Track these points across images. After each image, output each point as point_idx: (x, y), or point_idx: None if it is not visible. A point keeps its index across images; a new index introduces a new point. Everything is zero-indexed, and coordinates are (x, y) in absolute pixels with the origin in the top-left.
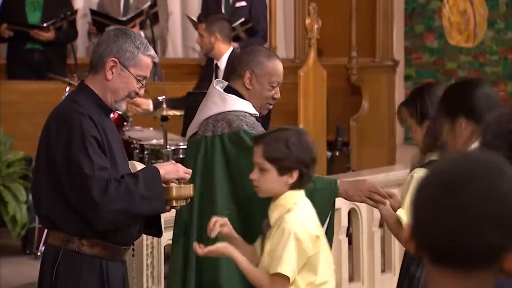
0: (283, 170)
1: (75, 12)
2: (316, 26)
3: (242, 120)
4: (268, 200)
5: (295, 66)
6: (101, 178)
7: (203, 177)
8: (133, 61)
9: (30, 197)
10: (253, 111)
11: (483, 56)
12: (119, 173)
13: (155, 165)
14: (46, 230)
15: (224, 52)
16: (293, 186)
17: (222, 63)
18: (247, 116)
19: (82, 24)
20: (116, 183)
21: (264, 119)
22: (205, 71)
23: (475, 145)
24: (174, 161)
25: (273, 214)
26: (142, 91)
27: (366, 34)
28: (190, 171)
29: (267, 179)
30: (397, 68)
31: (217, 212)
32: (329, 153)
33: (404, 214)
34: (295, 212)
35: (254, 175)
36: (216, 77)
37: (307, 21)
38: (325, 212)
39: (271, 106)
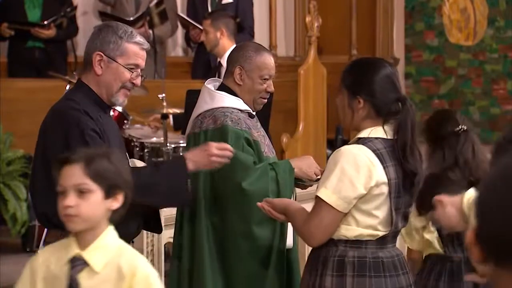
0: (110, 191)
1: (75, 8)
2: (316, 24)
3: (227, 116)
4: (245, 204)
5: (295, 64)
6: None
7: (193, 174)
8: (119, 51)
9: None
10: (243, 107)
11: (483, 54)
12: None
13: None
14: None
15: (228, 49)
16: (112, 216)
17: (225, 61)
18: (233, 112)
19: (83, 21)
20: None
21: (264, 117)
22: (209, 70)
23: (368, 124)
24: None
25: (96, 259)
26: (138, 80)
27: (366, 32)
28: (221, 146)
29: (90, 203)
30: (397, 66)
31: (201, 209)
32: (329, 151)
33: None
34: (138, 253)
35: (71, 201)
36: (219, 75)
37: (307, 19)
38: (290, 191)
39: (265, 100)
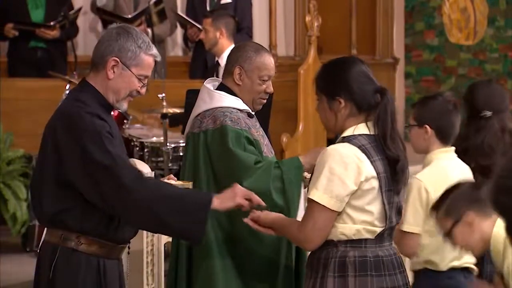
0: None
1: (79, 10)
2: (316, 24)
3: (227, 116)
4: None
5: (295, 63)
6: (130, 167)
7: (193, 174)
8: (135, 61)
9: None
10: (243, 107)
11: (483, 54)
12: None
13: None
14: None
15: (226, 49)
16: None
17: (223, 60)
18: (233, 112)
19: (83, 21)
20: (147, 177)
21: (264, 116)
22: (206, 70)
23: (352, 122)
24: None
25: None
26: (143, 90)
27: (366, 32)
28: (248, 194)
29: None
30: (397, 65)
31: None
32: None
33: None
34: None
35: None
36: (217, 75)
37: (307, 18)
38: (298, 189)
39: (265, 101)
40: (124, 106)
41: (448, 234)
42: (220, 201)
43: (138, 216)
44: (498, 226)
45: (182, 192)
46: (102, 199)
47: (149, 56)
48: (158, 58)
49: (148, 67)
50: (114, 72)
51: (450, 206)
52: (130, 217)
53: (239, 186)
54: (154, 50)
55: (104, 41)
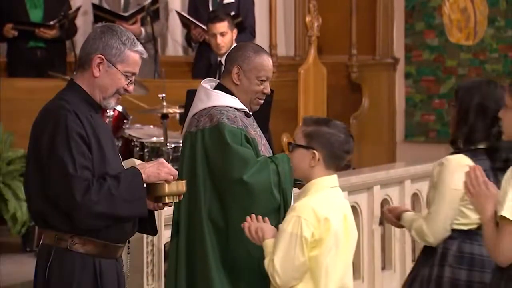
0: None
1: (78, 9)
2: (316, 24)
3: (224, 114)
4: (248, 198)
5: (295, 63)
6: (83, 179)
7: (190, 173)
8: (120, 57)
9: None
10: (240, 106)
11: (483, 54)
12: (108, 170)
13: (138, 166)
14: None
15: (231, 48)
16: None
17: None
18: (229, 110)
19: (83, 21)
20: (98, 185)
21: (264, 116)
22: (210, 70)
23: None
24: (161, 160)
25: None
26: (131, 88)
27: (366, 32)
28: (175, 172)
29: None
30: (397, 65)
31: (201, 209)
32: None
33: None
34: None
35: None
36: (220, 75)
37: (307, 18)
38: (291, 181)
39: (262, 101)
40: (111, 104)
41: None
42: (146, 177)
43: (86, 227)
44: None
45: (121, 185)
46: (56, 198)
47: (134, 53)
48: (145, 55)
49: (134, 63)
50: (99, 70)
51: None
52: (78, 225)
53: (165, 162)
54: (140, 47)
55: (89, 40)
